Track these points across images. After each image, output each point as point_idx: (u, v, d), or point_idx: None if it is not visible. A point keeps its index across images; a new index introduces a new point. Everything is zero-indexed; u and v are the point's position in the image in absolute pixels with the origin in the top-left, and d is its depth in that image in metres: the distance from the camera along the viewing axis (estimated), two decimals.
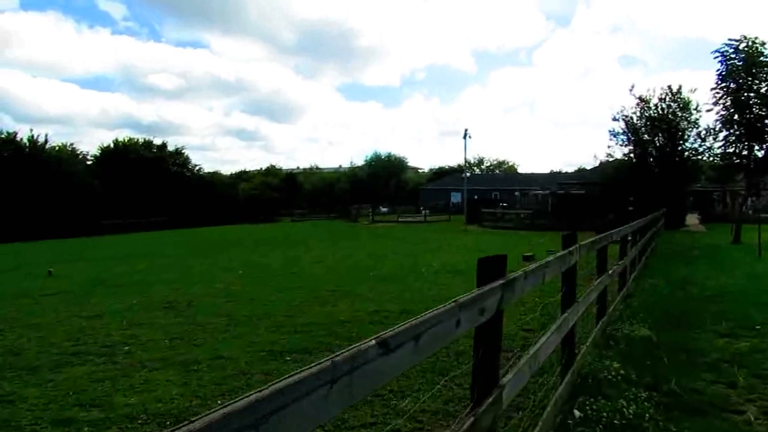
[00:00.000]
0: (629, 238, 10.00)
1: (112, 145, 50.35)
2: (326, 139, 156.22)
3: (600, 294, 6.19)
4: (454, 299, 2.04)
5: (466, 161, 39.13)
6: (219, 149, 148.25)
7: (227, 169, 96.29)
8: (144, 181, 49.72)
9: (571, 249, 4.11)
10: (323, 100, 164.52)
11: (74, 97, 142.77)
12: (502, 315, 2.51)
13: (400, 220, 46.20)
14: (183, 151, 55.00)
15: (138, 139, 53.10)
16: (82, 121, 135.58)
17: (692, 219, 37.59)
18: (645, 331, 6.21)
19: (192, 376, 5.42)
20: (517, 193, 43.17)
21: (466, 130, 35.70)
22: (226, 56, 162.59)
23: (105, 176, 47.74)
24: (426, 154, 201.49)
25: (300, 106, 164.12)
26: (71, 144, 48.29)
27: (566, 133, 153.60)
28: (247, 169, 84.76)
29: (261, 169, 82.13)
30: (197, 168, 56.45)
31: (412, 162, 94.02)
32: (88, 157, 50.46)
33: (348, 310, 8.77)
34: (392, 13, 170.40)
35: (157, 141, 54.57)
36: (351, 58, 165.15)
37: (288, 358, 5.99)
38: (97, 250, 26.81)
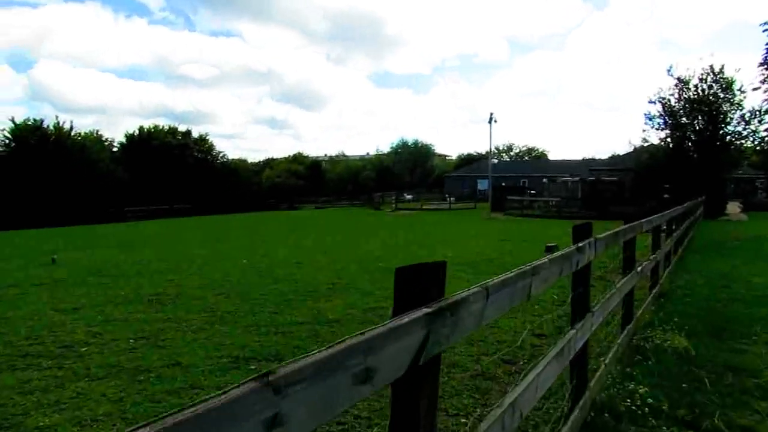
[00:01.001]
0: (663, 228, 8.84)
1: (137, 133, 50.60)
2: (355, 127, 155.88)
3: (626, 295, 5.15)
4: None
5: (491, 147, 37.64)
6: (249, 138, 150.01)
7: (256, 158, 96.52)
8: (168, 168, 49.80)
9: (581, 244, 3.11)
10: (353, 87, 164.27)
11: (111, 87, 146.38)
12: (437, 365, 1.56)
13: (423, 207, 45.13)
14: (207, 138, 54.98)
15: (163, 126, 53.26)
16: (118, 111, 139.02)
17: (733, 207, 35.47)
18: (681, 341, 5.14)
19: (133, 389, 4.62)
20: (545, 180, 41.51)
21: (491, 115, 34.31)
22: (258, 45, 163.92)
23: (130, 163, 47.96)
24: (455, 142, 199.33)
25: (330, 94, 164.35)
26: (97, 131, 48.79)
27: (600, 119, 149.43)
28: (274, 157, 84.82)
29: (288, 156, 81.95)
30: (221, 155, 56.37)
31: (440, 149, 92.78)
32: (114, 145, 50.88)
33: (341, 306, 7.90)
34: (423, 0, 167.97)
35: (182, 128, 54.65)
36: (382, 46, 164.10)
37: (252, 367, 5.15)
38: (112, 237, 26.64)
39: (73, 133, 43.82)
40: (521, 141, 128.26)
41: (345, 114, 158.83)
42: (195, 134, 55.73)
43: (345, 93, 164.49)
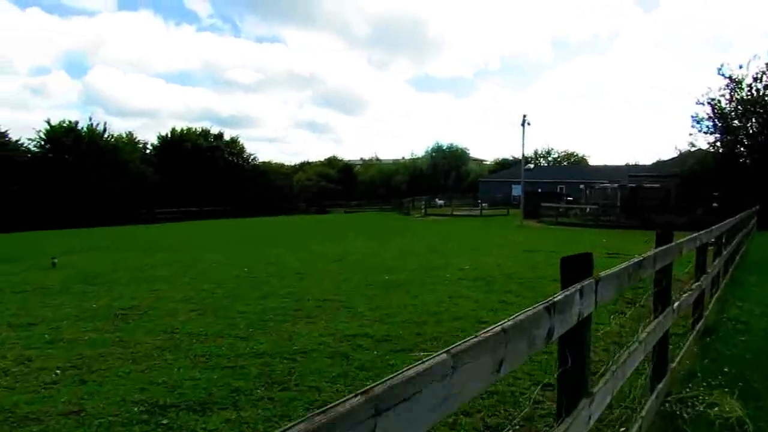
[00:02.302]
0: (711, 244, 7.36)
1: (169, 135, 50.93)
2: (394, 131, 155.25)
3: (658, 344, 3.84)
4: None
5: (523, 151, 35.92)
6: (291, 141, 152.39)
7: (294, 161, 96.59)
8: (199, 170, 49.86)
9: (569, 291, 1.89)
10: (394, 92, 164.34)
11: (160, 92, 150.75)
12: None
13: (454, 213, 43.65)
14: (238, 141, 54.86)
15: (195, 129, 53.49)
16: (166, 114, 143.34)
17: None
18: (734, 407, 3.78)
19: None
20: (582, 186, 39.39)
21: (524, 117, 32.54)
22: (301, 50, 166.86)
23: (162, 165, 48.20)
24: (494, 146, 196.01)
25: (370, 98, 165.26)
26: (130, 132, 49.32)
27: (645, 124, 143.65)
28: (310, 160, 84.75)
29: (323, 160, 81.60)
30: (252, 157, 56.14)
31: (479, 154, 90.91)
32: (148, 147, 51.37)
33: (319, 332, 6.77)
34: (465, 3, 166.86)
35: (220, 131, 54.80)
36: (423, 50, 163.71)
37: (165, 422, 4.06)
38: (134, 239, 26.36)
39: (106, 135, 44.31)
40: (562, 146, 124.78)
41: (384, 118, 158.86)
42: (227, 137, 55.82)
43: (385, 97, 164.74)
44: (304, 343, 6.21)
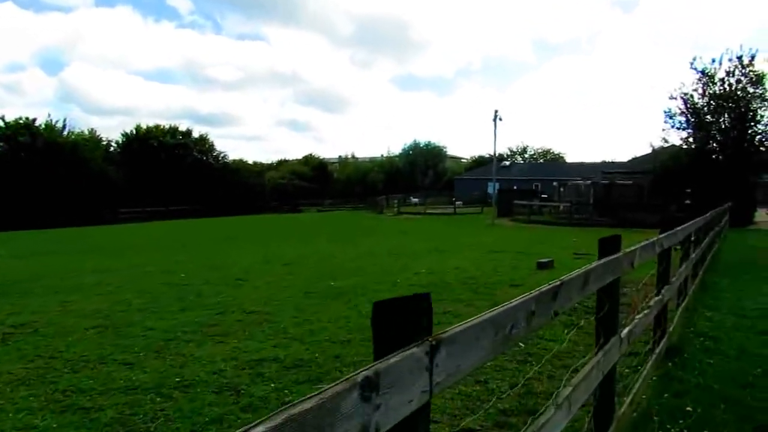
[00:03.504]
0: (681, 245, 6.53)
1: (134, 132, 49.01)
2: (376, 130, 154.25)
3: (600, 385, 2.89)
4: None
5: (495, 147, 35.33)
6: (272, 140, 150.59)
7: (274, 159, 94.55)
8: (166, 169, 48.15)
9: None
10: (376, 90, 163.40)
11: (138, 90, 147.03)
12: None
13: (427, 211, 42.80)
14: (207, 138, 53.11)
15: (163, 126, 51.57)
16: (145, 113, 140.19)
17: (762, 215, 32.50)
18: None
19: None
20: (555, 183, 38.83)
21: (496, 112, 31.83)
22: (284, 48, 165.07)
23: (126, 164, 46.38)
24: (474, 144, 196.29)
25: (353, 97, 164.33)
26: (92, 129, 47.25)
27: (623, 121, 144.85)
28: (287, 159, 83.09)
29: (300, 158, 79.99)
30: (222, 155, 54.45)
31: (459, 152, 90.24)
32: (113, 144, 49.34)
33: (223, 355, 5.73)
34: (449, 3, 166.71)
35: (183, 127, 52.91)
36: (406, 49, 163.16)
37: None
38: (87, 240, 24.93)
39: (65, 132, 42.37)
40: (538, 143, 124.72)
41: (367, 117, 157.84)
42: (197, 134, 54.11)
43: (368, 96, 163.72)
44: (196, 372, 5.16)
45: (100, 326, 7.33)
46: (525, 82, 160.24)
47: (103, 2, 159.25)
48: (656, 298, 4.58)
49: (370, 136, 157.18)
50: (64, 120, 43.93)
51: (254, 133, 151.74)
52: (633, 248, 3.55)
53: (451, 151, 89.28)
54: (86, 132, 50.86)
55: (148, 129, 51.02)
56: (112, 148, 49.05)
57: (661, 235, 4.83)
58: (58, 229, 34.46)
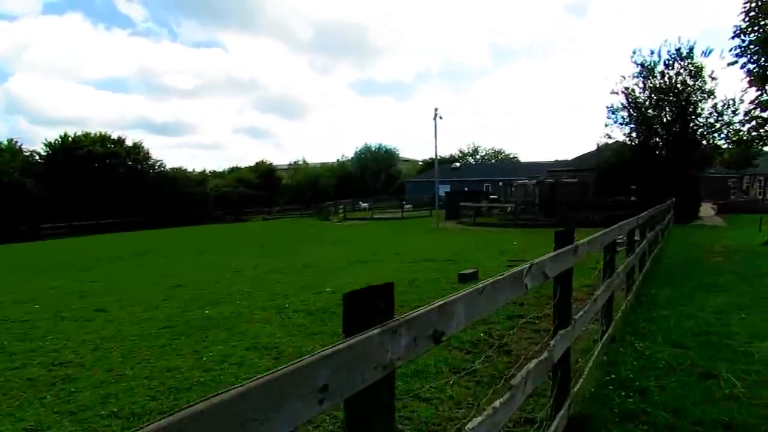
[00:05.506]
0: (616, 248, 5.05)
1: (59, 141, 45.42)
2: (335, 136, 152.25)
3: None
4: None
5: (436, 148, 33.86)
6: (230, 147, 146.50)
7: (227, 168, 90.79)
8: (96, 180, 44.80)
9: None
10: (336, 96, 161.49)
11: (90, 99, 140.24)
12: None
13: (374, 216, 41.15)
14: (141, 146, 49.77)
15: (92, 134, 48.06)
16: (97, 123, 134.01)
17: (706, 210, 32.31)
18: None
19: None
20: (500, 184, 37.85)
21: (436, 110, 30.40)
22: (241, 55, 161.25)
23: (49, 175, 42.82)
24: (429, 147, 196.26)
25: (312, 102, 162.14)
26: (10, 140, 43.48)
27: (577, 121, 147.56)
28: (240, 166, 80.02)
29: (252, 165, 77.06)
30: (158, 164, 51.21)
31: (415, 154, 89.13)
32: (35, 155, 45.59)
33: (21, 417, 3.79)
34: (409, 9, 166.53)
35: (115, 135, 49.36)
36: (365, 55, 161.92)
37: None
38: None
39: None
40: (497, 145, 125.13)
41: (326, 122, 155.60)
42: (130, 142, 50.78)
43: (327, 101, 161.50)
44: None
45: None
46: (481, 86, 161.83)
47: (51, 10, 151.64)
48: (551, 342, 2.94)
49: (327, 141, 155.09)
50: None
51: (212, 141, 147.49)
52: (494, 279, 1.88)
53: (408, 154, 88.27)
54: (10, 141, 47.12)
55: (76, 138, 47.47)
56: (36, 158, 45.21)
57: (559, 251, 3.24)
58: None
